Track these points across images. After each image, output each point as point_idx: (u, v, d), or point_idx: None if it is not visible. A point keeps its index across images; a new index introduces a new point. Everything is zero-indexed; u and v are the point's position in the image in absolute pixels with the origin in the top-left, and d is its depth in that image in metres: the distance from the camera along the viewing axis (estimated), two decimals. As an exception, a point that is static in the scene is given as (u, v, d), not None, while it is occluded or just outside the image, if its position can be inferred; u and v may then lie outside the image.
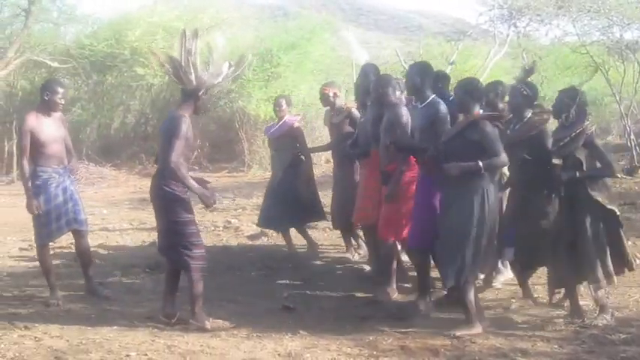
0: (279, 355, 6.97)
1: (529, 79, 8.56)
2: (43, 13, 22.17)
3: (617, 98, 21.42)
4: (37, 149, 8.56)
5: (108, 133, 23.77)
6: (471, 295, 7.57)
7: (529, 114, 8.20)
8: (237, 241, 12.43)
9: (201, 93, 7.71)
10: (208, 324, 7.72)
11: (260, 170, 21.10)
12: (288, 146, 11.26)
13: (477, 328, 7.44)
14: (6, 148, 20.93)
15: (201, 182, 7.90)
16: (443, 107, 8.15)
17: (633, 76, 21.37)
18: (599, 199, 7.53)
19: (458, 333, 7.37)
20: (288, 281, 9.76)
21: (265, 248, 11.74)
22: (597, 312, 7.77)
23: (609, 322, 7.58)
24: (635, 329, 7.54)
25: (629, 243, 10.82)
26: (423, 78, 8.28)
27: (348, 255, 10.98)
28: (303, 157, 11.20)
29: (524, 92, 8.23)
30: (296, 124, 11.47)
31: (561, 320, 7.82)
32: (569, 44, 23.91)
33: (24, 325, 7.74)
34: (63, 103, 8.85)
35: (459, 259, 7.39)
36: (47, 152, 8.61)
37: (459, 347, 7.13)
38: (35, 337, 7.41)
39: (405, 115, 8.66)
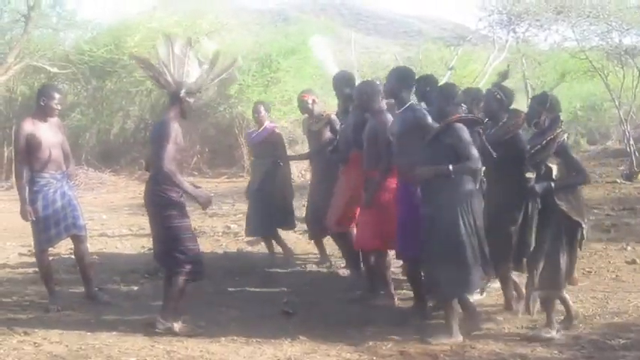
0: (278, 359, 6.98)
1: (504, 83, 8.56)
2: (42, 19, 22.19)
3: (617, 103, 21.39)
4: (34, 155, 8.55)
5: (107, 139, 23.78)
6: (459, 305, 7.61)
7: (504, 118, 8.17)
8: (237, 247, 12.41)
9: (182, 95, 7.67)
10: (177, 326, 7.71)
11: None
12: (268, 153, 11.16)
13: (457, 337, 7.42)
14: (5, 154, 20.93)
15: (194, 186, 7.91)
16: (420, 112, 8.03)
17: (632, 81, 21.35)
18: (564, 208, 7.34)
19: (434, 341, 7.36)
20: (286, 287, 9.75)
21: (264, 254, 11.71)
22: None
23: (554, 337, 7.37)
24: (634, 334, 7.53)
25: (629, 248, 10.87)
26: (401, 83, 8.19)
27: (323, 264, 10.93)
28: (281, 164, 11.12)
29: (498, 96, 8.20)
30: (277, 130, 11.47)
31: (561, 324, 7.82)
32: (568, 49, 23.93)
33: (23, 331, 7.75)
34: (59, 108, 8.84)
35: (454, 272, 7.33)
36: (44, 158, 8.60)
37: (458, 352, 7.13)
38: (35, 343, 7.41)
39: (389, 122, 8.51)
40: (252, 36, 23.97)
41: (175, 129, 7.58)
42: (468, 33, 28.00)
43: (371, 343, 7.38)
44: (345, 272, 10.30)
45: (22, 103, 22.11)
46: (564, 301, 7.61)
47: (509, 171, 7.83)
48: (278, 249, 11.37)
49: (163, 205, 7.61)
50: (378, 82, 9.15)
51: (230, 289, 9.72)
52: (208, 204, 7.84)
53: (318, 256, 11.11)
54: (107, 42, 21.86)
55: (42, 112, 8.71)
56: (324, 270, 10.71)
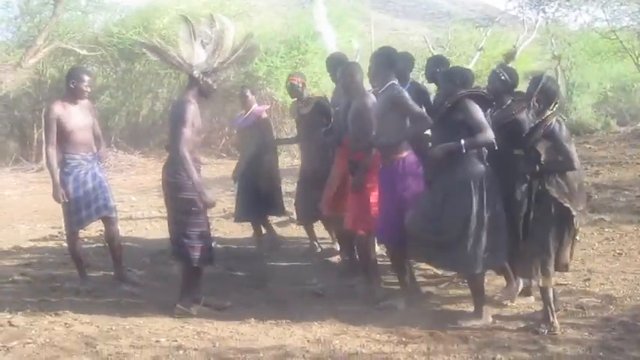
0: (308, 341, 6.99)
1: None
2: (71, 1, 22.25)
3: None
4: (64, 137, 8.59)
5: (136, 121, 23.83)
6: (482, 284, 7.57)
7: (509, 101, 8.01)
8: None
9: (198, 76, 7.67)
10: (194, 309, 7.77)
11: (288, 157, 21.05)
12: (255, 138, 10.95)
13: (486, 319, 7.42)
14: (35, 136, 21.04)
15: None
16: (396, 91, 7.82)
17: (664, 61, 21.16)
18: (554, 194, 7.14)
19: (464, 324, 7.35)
20: (313, 269, 9.76)
21: (293, 235, 11.71)
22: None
23: (551, 331, 7.13)
24: (665, 316, 7.49)
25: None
26: (380, 64, 8.04)
27: (311, 249, 10.78)
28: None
29: (502, 77, 8.05)
30: (264, 115, 11.20)
31: (592, 306, 7.79)
32: (598, 30, 23.76)
33: (54, 312, 7.80)
34: (89, 90, 8.85)
35: (470, 248, 7.29)
36: (75, 140, 8.65)
37: (488, 334, 7.11)
38: (65, 324, 7.47)
39: (372, 104, 8.33)
40: (280, 18, 23.91)
41: (192, 110, 7.57)
42: (497, 14, 27.86)
43: (401, 325, 7.37)
44: (336, 259, 10.17)
45: (52, 86, 22.15)
46: (544, 293, 7.30)
47: (510, 154, 7.68)
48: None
49: (178, 187, 7.63)
50: None
51: (259, 270, 9.72)
52: (210, 206, 7.73)
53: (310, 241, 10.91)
54: (136, 24, 21.84)
55: (72, 94, 8.73)
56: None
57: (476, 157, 7.36)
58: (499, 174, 7.59)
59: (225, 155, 21.62)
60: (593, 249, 10.17)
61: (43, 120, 8.77)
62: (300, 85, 10.47)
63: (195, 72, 7.66)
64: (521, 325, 7.33)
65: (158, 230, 12.18)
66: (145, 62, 22.41)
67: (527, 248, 7.39)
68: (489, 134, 7.28)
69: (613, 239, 10.64)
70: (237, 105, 22.17)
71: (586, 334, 7.06)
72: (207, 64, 7.69)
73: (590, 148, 19.54)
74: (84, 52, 21.25)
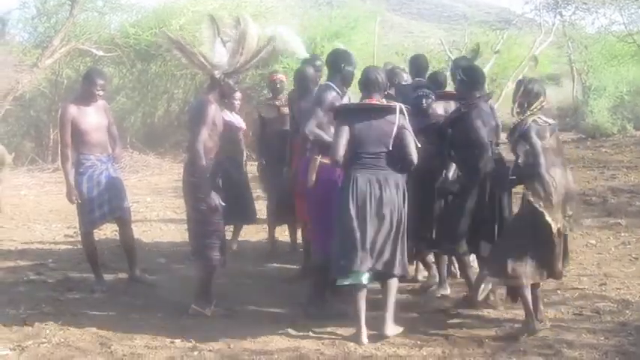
0: (322, 343, 6.98)
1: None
2: (88, 2, 22.22)
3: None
4: (79, 137, 8.63)
5: (152, 122, 23.85)
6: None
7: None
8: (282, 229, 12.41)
9: (219, 77, 7.67)
10: (209, 311, 7.77)
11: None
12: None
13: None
14: (51, 137, 21.08)
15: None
16: (319, 90, 7.98)
17: (681, 65, 21.07)
18: (530, 198, 7.00)
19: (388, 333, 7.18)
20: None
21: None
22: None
23: (530, 334, 7.10)
24: (681, 321, 7.45)
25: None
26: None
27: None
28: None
29: (458, 77, 8.11)
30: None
31: (608, 311, 7.76)
32: (615, 33, 23.68)
33: (69, 312, 7.83)
34: (100, 94, 8.86)
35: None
36: (89, 140, 8.68)
37: (503, 338, 7.09)
38: (80, 324, 7.48)
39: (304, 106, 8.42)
40: (297, 19, 23.89)
41: (212, 110, 7.57)
42: (513, 17, 27.81)
43: (416, 328, 7.36)
44: None
45: (68, 87, 22.19)
46: (522, 297, 7.20)
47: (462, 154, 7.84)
48: None
49: (196, 187, 7.63)
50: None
51: (275, 270, 9.73)
52: (212, 210, 7.61)
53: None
54: (152, 25, 21.85)
55: (88, 96, 8.77)
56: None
57: None
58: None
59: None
60: (609, 253, 10.13)
61: (58, 120, 8.78)
62: (280, 83, 10.88)
63: (217, 73, 7.66)
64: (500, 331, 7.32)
65: (173, 231, 12.20)
66: (161, 63, 22.46)
67: (499, 247, 7.39)
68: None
69: (629, 243, 10.59)
70: (252, 107, 22.39)
71: (602, 338, 7.02)
72: (229, 65, 7.69)
73: (606, 151, 19.46)
74: (100, 52, 21.27)
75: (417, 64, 9.87)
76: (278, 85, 10.69)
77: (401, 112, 7.10)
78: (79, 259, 9.98)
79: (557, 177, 7.05)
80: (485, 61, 23.16)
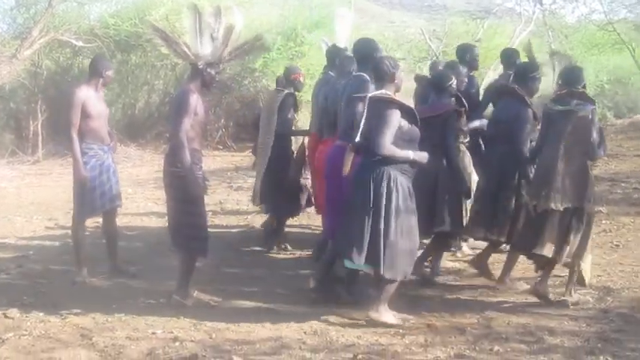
0: (304, 332, 6.98)
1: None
2: (67, -7, 22.16)
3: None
4: (85, 124, 8.64)
5: (132, 113, 23.72)
6: None
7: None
8: (262, 220, 12.39)
9: (202, 67, 7.65)
10: (190, 301, 7.77)
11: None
12: None
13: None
14: (31, 128, 20.95)
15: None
16: (357, 85, 7.92)
17: (661, 53, 21.14)
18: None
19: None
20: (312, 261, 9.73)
21: (290, 226, 11.68)
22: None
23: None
24: (663, 308, 7.48)
25: None
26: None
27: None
28: None
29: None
30: None
31: (590, 299, 7.80)
32: (595, 22, 23.73)
33: (50, 304, 7.79)
34: (109, 81, 9.16)
35: None
36: (94, 128, 8.72)
37: (485, 325, 7.11)
38: (61, 315, 7.47)
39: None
40: (277, 9, 23.83)
41: (194, 100, 7.55)
42: (494, 6, 27.83)
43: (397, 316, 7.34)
44: None
45: (48, 77, 22.10)
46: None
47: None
48: None
49: (177, 177, 7.61)
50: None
51: (257, 262, 9.71)
52: (194, 198, 7.63)
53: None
54: (132, 15, 21.74)
55: (98, 82, 8.88)
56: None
57: None
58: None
59: (221, 147, 21.58)
60: (590, 241, 10.14)
61: (69, 102, 8.72)
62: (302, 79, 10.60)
63: (199, 63, 7.63)
64: (519, 315, 7.33)
65: (154, 222, 12.18)
66: (141, 54, 22.35)
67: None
68: None
69: (610, 231, 10.64)
70: (233, 98, 22.35)
71: (584, 325, 7.06)
72: (212, 56, 7.66)
73: (587, 140, 19.47)
74: (80, 43, 21.13)
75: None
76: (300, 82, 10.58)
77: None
78: (60, 250, 9.95)
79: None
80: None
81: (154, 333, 6.96)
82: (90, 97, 8.69)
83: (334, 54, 9.29)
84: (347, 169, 7.36)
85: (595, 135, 7.59)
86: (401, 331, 6.97)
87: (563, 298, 7.70)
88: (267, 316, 7.45)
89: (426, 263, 8.78)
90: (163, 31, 7.81)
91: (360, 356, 6.36)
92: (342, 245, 7.30)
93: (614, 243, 10.08)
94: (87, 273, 8.84)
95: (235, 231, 11.59)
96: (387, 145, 6.93)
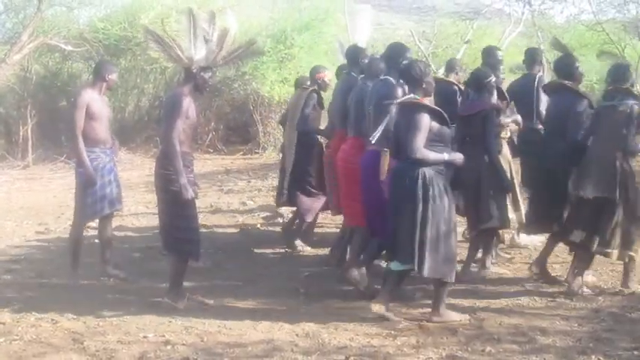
0: (296, 335, 6.97)
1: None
2: (55, -3, 22.13)
3: (633, 76, 21.22)
4: (88, 127, 8.66)
5: (122, 117, 23.66)
6: None
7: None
8: (253, 223, 12.40)
9: (195, 71, 7.65)
10: (181, 304, 7.74)
11: (275, 152, 21.01)
12: None
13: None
14: (21, 133, 20.91)
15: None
16: (386, 90, 7.98)
17: (650, 53, 21.16)
18: None
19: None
20: (303, 263, 9.74)
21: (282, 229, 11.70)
22: None
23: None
24: (654, 307, 7.50)
25: None
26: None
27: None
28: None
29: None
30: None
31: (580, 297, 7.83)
32: (584, 22, 23.75)
33: (41, 308, 7.77)
34: (112, 85, 9.18)
35: None
36: (97, 131, 8.74)
37: (477, 326, 7.12)
38: (52, 320, 7.45)
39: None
40: (266, 12, 23.82)
41: (187, 103, 7.56)
42: (483, 7, 27.83)
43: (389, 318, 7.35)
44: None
45: (37, 82, 22.06)
46: None
47: None
48: None
49: (169, 179, 7.61)
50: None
51: (248, 265, 9.70)
52: (184, 198, 7.57)
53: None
54: (121, 19, 21.71)
55: (101, 85, 8.91)
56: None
57: None
58: None
59: (212, 151, 21.58)
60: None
61: (73, 104, 8.75)
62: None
63: (193, 67, 7.63)
64: (511, 316, 7.34)
65: (145, 226, 12.16)
66: (131, 58, 22.32)
67: None
68: None
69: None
70: (223, 101, 22.34)
71: (576, 325, 7.08)
72: (206, 60, 7.67)
73: (576, 140, 19.54)
74: (69, 47, 21.11)
75: None
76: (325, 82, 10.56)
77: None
78: (51, 255, 9.95)
79: None
80: (455, 50, 23.29)
81: (145, 337, 6.95)
82: (94, 100, 8.73)
83: (356, 54, 9.18)
84: (384, 174, 7.65)
85: (632, 129, 7.84)
86: (393, 332, 6.96)
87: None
88: (258, 318, 7.45)
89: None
90: (157, 34, 7.82)
91: (352, 358, 6.36)
92: (386, 248, 7.61)
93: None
94: (79, 277, 8.82)
95: (227, 232, 11.59)
96: (420, 148, 7.07)
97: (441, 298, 7.30)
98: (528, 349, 6.51)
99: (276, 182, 13.09)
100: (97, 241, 9.34)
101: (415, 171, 7.10)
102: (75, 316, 7.55)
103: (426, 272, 7.11)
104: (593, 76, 23.39)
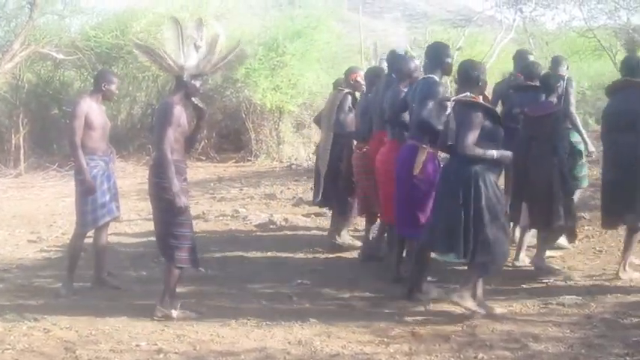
0: (289, 343, 6.96)
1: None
2: (47, 5, 22.06)
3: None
4: (87, 135, 8.67)
5: (114, 125, 23.51)
6: None
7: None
8: (246, 230, 12.40)
9: (186, 79, 7.66)
10: (174, 313, 7.71)
11: (267, 159, 21.05)
12: None
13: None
14: (13, 141, 20.88)
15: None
16: (428, 87, 8.21)
17: (641, 59, 21.24)
18: None
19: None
20: (295, 271, 9.74)
21: (274, 237, 11.70)
22: None
23: None
24: (646, 313, 7.51)
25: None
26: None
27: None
28: None
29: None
30: None
31: (573, 303, 7.84)
32: (576, 29, 23.83)
33: (33, 317, 7.75)
34: (117, 92, 9.22)
35: None
36: (96, 139, 8.75)
37: (469, 333, 7.12)
38: (44, 329, 7.43)
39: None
40: (258, 19, 23.84)
41: (178, 111, 7.56)
42: (474, 14, 27.91)
43: (382, 325, 7.37)
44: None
45: (29, 90, 22.05)
46: None
47: None
48: None
49: (162, 188, 7.59)
50: None
51: (240, 272, 9.69)
52: (179, 212, 7.57)
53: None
54: (113, 27, 21.71)
55: (99, 95, 8.93)
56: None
57: None
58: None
59: (204, 158, 21.58)
60: (573, 247, 10.18)
61: (71, 112, 8.77)
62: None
63: (184, 75, 7.64)
64: (503, 322, 7.35)
65: (138, 234, 12.15)
66: (123, 66, 22.31)
67: None
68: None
69: (593, 237, 10.70)
70: (215, 108, 22.32)
71: (568, 331, 7.08)
72: (197, 68, 7.68)
73: (568, 146, 19.58)
74: (61, 56, 21.11)
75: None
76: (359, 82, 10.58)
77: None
78: (43, 264, 9.92)
79: None
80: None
81: (137, 345, 6.93)
82: (92, 109, 8.74)
83: (393, 59, 9.46)
84: (418, 168, 8.00)
85: None
86: (385, 340, 6.96)
87: None
88: (251, 326, 7.44)
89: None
90: (146, 46, 7.85)
91: (344, 365, 6.37)
92: (434, 240, 7.68)
93: (597, 249, 10.17)
94: (72, 286, 8.81)
95: (219, 239, 11.58)
96: (471, 145, 7.29)
97: (469, 283, 7.51)
98: (521, 356, 6.51)
99: (268, 190, 13.15)
100: (87, 249, 9.32)
101: (467, 167, 7.36)
102: (67, 325, 7.53)
103: (476, 266, 7.47)
104: (585, 82, 23.49)
